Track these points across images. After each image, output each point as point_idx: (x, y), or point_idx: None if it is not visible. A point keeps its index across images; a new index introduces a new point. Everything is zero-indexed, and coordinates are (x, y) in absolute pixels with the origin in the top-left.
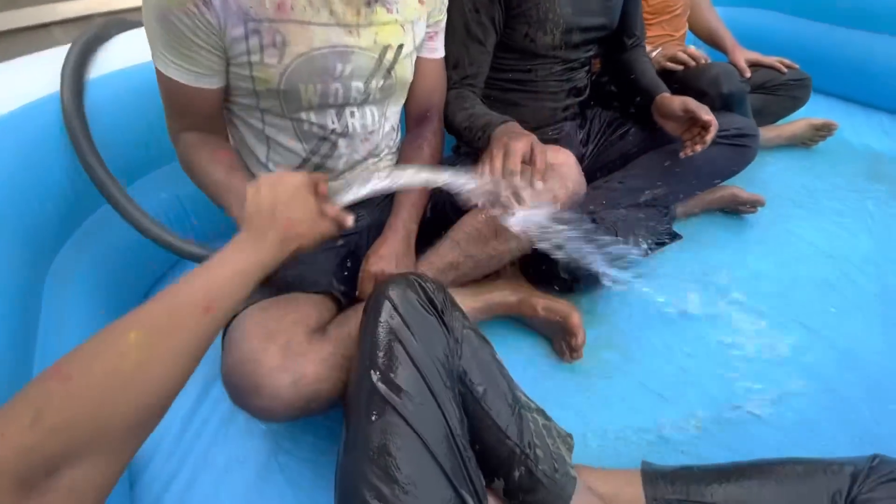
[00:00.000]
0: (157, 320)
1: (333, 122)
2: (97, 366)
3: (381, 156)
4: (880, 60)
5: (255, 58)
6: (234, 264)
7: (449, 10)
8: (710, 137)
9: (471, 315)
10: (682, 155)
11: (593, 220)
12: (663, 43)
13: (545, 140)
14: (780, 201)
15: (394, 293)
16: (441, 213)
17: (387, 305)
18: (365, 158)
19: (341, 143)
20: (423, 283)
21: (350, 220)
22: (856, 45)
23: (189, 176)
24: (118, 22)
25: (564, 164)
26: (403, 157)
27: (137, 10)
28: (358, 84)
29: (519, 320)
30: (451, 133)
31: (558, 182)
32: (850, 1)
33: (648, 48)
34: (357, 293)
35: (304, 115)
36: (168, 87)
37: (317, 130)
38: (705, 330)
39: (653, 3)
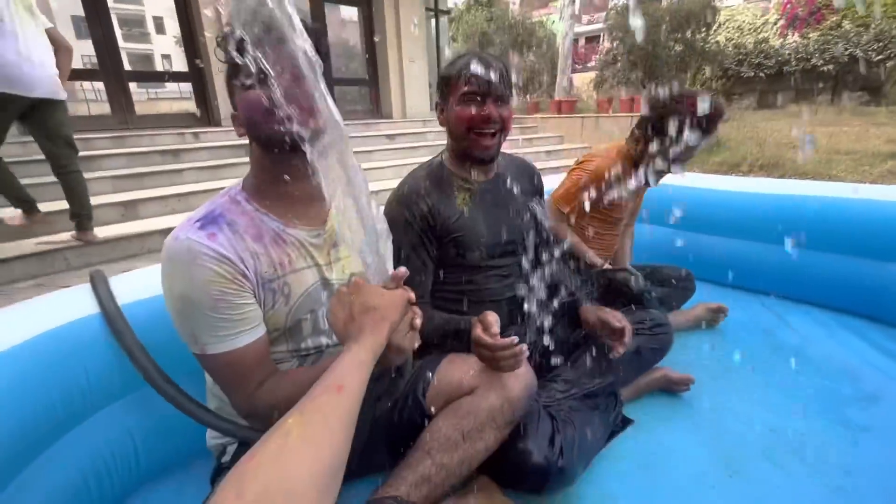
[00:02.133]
0: (304, 406)
1: (329, 339)
2: (271, 444)
3: None
4: (755, 257)
5: (268, 308)
6: (350, 358)
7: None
8: (627, 339)
9: None
10: (612, 356)
11: (550, 415)
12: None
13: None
14: (705, 379)
15: None
16: (408, 420)
17: None
18: None
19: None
20: None
21: (403, 271)
22: (735, 247)
23: (279, 412)
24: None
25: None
26: None
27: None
28: None
29: None
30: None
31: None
32: (725, 218)
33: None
34: None
35: (302, 345)
36: (230, 360)
37: (314, 352)
38: None
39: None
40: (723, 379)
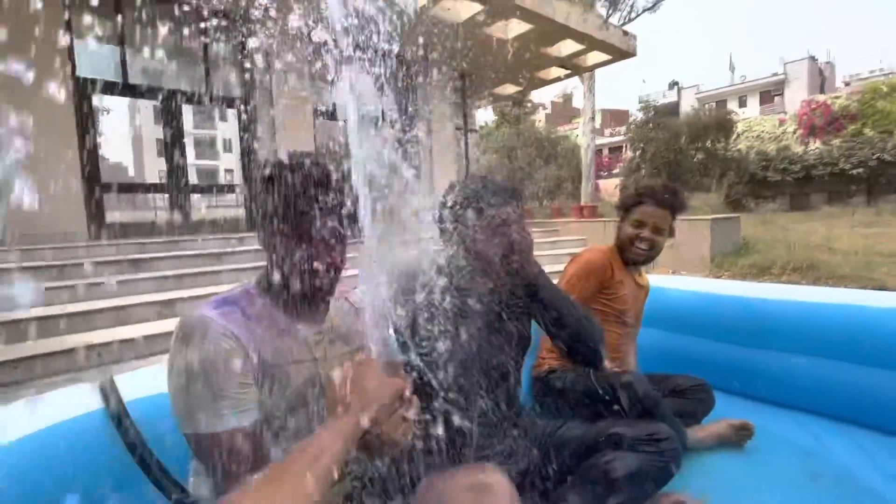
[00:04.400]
0: (277, 468)
1: None
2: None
3: None
4: (787, 370)
5: (265, 394)
6: (332, 428)
7: None
8: None
9: None
10: None
11: None
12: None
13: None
14: None
15: None
16: None
17: None
18: None
19: None
20: None
21: (407, 380)
22: (760, 358)
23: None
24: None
25: (496, 483)
26: None
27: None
28: None
29: None
30: None
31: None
32: (744, 326)
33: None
34: None
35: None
36: (225, 440)
37: None
38: None
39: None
40: None
